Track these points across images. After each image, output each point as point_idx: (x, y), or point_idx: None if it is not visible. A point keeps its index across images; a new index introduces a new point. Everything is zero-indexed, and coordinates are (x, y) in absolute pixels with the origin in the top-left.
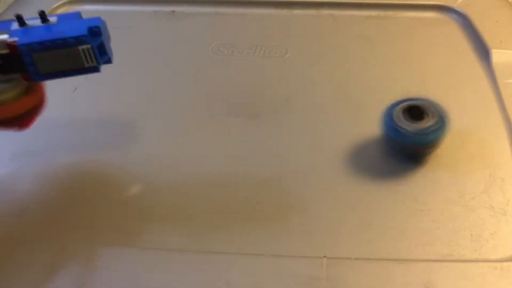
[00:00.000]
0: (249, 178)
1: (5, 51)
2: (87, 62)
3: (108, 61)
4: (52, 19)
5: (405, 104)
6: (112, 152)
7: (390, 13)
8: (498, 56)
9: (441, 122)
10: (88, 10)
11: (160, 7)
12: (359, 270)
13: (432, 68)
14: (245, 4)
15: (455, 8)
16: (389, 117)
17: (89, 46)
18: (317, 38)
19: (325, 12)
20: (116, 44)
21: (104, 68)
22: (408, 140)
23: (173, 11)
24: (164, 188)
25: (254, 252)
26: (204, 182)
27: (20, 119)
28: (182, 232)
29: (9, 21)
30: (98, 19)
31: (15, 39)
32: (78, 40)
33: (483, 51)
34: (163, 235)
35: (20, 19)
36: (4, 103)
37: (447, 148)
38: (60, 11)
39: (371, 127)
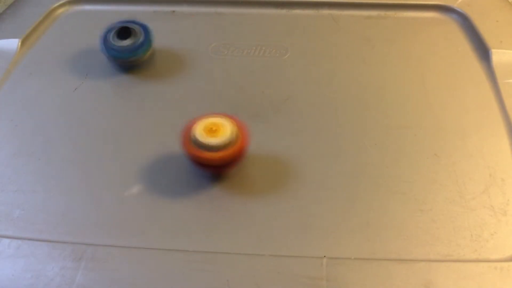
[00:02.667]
0: (249, 178)
1: None
2: None
3: None
4: None
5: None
6: (112, 152)
7: (390, 13)
8: (498, 56)
9: (142, 41)
10: (88, 10)
11: (160, 7)
12: (359, 270)
13: (432, 68)
14: (245, 4)
15: (455, 8)
16: (104, 39)
17: None
18: (317, 38)
19: (325, 12)
20: None
21: (103, 68)
22: (116, 54)
23: (173, 11)
24: (164, 188)
25: (254, 252)
26: (203, 182)
27: (224, 167)
28: (182, 232)
29: None
30: None
31: None
32: None
33: (483, 51)
34: (163, 235)
35: None
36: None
37: (447, 148)
38: (60, 11)
39: (369, 127)
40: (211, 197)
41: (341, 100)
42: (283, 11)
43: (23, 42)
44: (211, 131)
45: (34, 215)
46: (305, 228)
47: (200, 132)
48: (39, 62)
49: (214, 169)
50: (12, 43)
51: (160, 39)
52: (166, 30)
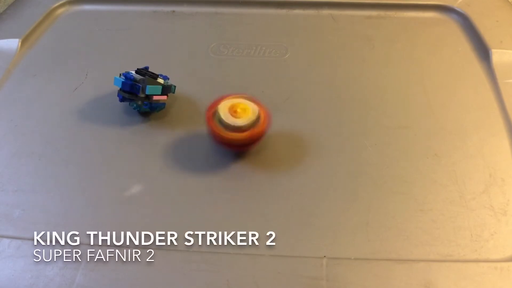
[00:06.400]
0: (249, 178)
1: None
2: None
3: None
4: None
5: None
6: (112, 152)
7: (390, 13)
8: (498, 56)
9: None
10: (88, 10)
11: (160, 7)
12: (359, 270)
13: (432, 68)
14: (245, 4)
15: (455, 8)
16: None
17: None
18: (317, 38)
19: (325, 12)
20: (116, 44)
21: (103, 68)
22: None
23: (173, 11)
24: (164, 188)
25: (255, 252)
26: (203, 182)
27: (248, 145)
28: (183, 232)
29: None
30: None
31: None
32: None
33: (483, 51)
34: (163, 235)
35: None
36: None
37: (447, 148)
38: (60, 11)
39: (369, 127)
40: (211, 200)
41: (341, 100)
42: (283, 11)
43: (23, 42)
44: (236, 112)
45: (34, 215)
46: (305, 228)
47: (225, 113)
48: (39, 62)
49: (236, 147)
50: (12, 43)
51: (160, 39)
52: (166, 30)
